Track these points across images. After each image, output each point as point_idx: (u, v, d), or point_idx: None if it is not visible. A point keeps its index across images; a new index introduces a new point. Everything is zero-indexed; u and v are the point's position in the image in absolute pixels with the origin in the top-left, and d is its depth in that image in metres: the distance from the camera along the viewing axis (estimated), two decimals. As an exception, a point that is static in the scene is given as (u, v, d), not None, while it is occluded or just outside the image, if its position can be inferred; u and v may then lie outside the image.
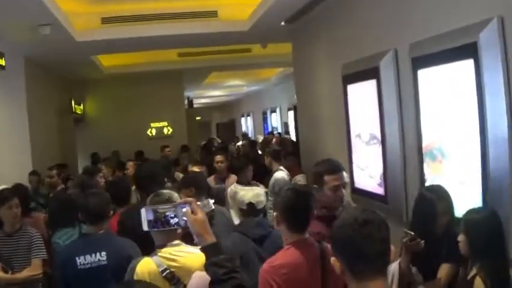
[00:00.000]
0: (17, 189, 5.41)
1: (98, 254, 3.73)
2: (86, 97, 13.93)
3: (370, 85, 5.56)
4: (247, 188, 4.87)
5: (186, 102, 15.81)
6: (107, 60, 12.19)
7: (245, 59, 12.95)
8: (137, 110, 13.71)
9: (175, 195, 3.33)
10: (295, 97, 16.29)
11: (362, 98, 5.93)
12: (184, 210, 2.21)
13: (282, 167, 7.68)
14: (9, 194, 4.71)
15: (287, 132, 16.30)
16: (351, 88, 6.28)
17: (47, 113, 10.50)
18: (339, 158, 6.57)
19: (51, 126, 10.90)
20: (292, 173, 7.75)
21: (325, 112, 7.73)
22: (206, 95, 23.50)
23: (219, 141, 26.34)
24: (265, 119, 22.54)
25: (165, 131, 14.26)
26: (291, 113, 17.96)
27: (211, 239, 2.19)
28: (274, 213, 3.16)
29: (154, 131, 14.18)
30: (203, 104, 27.37)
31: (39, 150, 9.17)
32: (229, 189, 6.41)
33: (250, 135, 21.12)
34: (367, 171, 5.92)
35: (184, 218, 2.21)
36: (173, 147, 12.69)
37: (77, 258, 3.71)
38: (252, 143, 13.77)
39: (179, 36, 8.87)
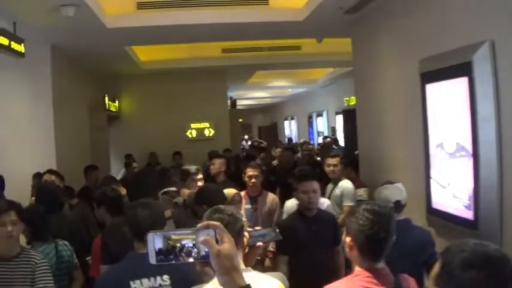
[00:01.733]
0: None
1: (158, 277, 3.14)
2: (122, 94, 13.01)
3: (459, 84, 4.57)
4: (389, 186, 4.27)
5: (228, 102, 14.79)
6: (144, 54, 11.40)
7: (294, 56, 12.02)
8: (177, 109, 12.82)
9: (239, 214, 2.48)
10: (345, 100, 16.01)
11: (446, 99, 4.91)
12: (205, 236, 1.56)
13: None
14: (3, 206, 3.64)
15: (335, 140, 15.17)
16: (430, 88, 5.25)
17: (77, 109, 9.63)
18: (411, 171, 5.68)
19: (82, 122, 10.01)
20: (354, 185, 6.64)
21: (394, 117, 6.70)
22: (248, 96, 22.61)
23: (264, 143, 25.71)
24: (310, 123, 21.78)
25: (206, 132, 13.25)
26: (339, 117, 17.10)
27: (240, 280, 1.54)
28: (347, 238, 2.58)
29: (194, 132, 13.20)
30: (245, 106, 26.46)
31: (66, 148, 8.34)
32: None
33: (294, 140, 20.03)
34: (450, 190, 4.88)
35: (206, 249, 1.56)
36: (214, 149, 11.61)
37: (131, 282, 3.10)
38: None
39: (224, 26, 7.86)
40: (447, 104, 4.89)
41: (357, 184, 6.81)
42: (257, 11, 7.69)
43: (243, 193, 5.54)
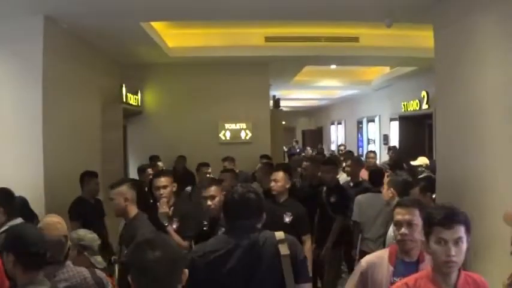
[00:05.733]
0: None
1: None
2: (145, 85, 11.15)
3: None
4: None
5: (271, 101, 12.78)
6: (173, 40, 9.69)
7: (350, 49, 10.20)
8: (209, 105, 10.98)
9: None
10: (402, 105, 14.10)
11: None
12: None
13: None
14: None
15: (392, 148, 13.16)
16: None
17: (83, 99, 7.84)
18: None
19: (90, 117, 8.21)
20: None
21: (496, 123, 4.93)
22: (292, 97, 20.72)
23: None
24: (360, 129, 20.00)
25: (243, 134, 11.35)
26: (394, 124, 15.25)
27: None
28: None
29: (228, 134, 11.33)
30: (288, 108, 24.66)
31: (61, 148, 6.64)
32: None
33: (344, 147, 18.12)
34: None
35: None
36: (251, 156, 10.03)
37: None
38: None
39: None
40: None
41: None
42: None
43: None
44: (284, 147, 21.20)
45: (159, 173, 5.61)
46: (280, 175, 5.42)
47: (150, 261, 2.11)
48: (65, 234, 3.47)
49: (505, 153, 4.74)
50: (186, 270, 2.23)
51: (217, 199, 4.76)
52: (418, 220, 3.15)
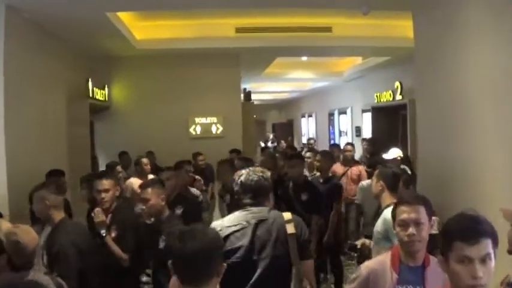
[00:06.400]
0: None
1: None
2: (112, 79, 10.76)
3: None
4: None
5: (241, 94, 12.45)
6: (141, 32, 9.36)
7: (323, 40, 9.96)
8: (178, 99, 10.65)
9: None
10: (375, 96, 13.92)
11: None
12: None
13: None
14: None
15: (368, 141, 13.02)
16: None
17: (47, 94, 7.43)
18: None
19: (54, 113, 7.78)
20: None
21: (480, 113, 4.79)
22: (263, 90, 20.46)
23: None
24: (331, 121, 19.76)
25: (214, 129, 11.05)
26: (367, 115, 15.08)
27: None
28: None
29: (199, 129, 11.00)
30: (258, 101, 24.39)
31: (24, 146, 6.25)
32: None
33: (314, 141, 17.96)
34: None
35: None
36: (222, 150, 9.62)
37: None
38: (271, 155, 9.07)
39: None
40: None
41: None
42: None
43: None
44: (261, 143, 20.94)
45: (101, 175, 5.14)
46: None
47: (189, 250, 2.24)
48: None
49: (491, 144, 4.59)
50: (225, 264, 2.35)
51: (152, 202, 4.43)
52: (425, 218, 2.87)
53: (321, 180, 7.08)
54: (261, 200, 3.35)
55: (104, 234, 4.44)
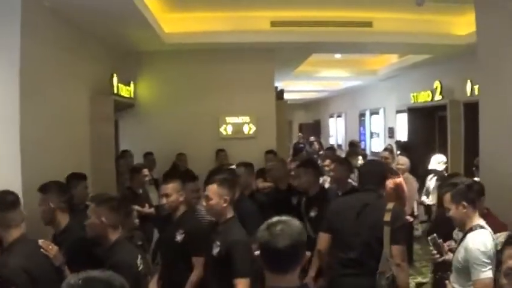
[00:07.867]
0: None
1: None
2: (139, 75, 10.17)
3: None
4: None
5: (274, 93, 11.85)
6: (170, 25, 8.82)
7: (362, 35, 9.42)
8: (208, 97, 10.07)
9: None
10: (412, 96, 13.27)
11: None
12: None
13: (483, 222, 3.71)
14: None
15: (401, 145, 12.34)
16: None
17: (69, 90, 6.85)
18: None
19: (77, 110, 7.23)
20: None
21: None
22: (291, 89, 19.80)
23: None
24: (362, 122, 19.24)
25: (246, 129, 10.43)
26: (401, 116, 14.56)
27: None
28: None
29: (230, 129, 10.41)
30: (288, 100, 23.81)
31: (42, 145, 5.69)
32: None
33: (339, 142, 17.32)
34: None
35: None
36: (254, 152, 9.19)
37: None
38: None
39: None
40: None
41: (496, 225, 3.96)
42: None
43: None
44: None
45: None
46: None
47: (280, 245, 2.42)
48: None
49: None
50: (308, 253, 2.61)
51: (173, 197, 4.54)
52: None
53: (340, 193, 6.08)
54: (375, 186, 4.31)
55: (63, 269, 3.83)
